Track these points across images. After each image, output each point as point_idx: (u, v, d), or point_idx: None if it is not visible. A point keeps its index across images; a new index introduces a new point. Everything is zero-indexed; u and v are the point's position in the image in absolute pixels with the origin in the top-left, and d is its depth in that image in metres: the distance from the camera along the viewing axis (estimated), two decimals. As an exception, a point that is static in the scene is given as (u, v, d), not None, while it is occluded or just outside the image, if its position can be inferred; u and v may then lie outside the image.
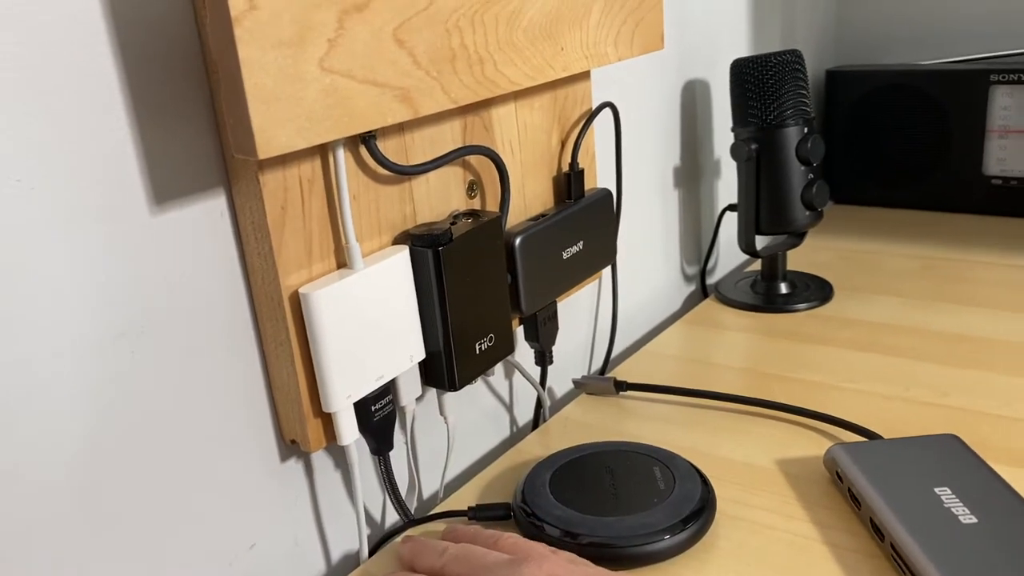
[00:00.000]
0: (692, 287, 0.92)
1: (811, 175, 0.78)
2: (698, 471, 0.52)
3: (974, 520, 0.44)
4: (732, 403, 0.63)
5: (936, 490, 0.47)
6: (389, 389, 0.50)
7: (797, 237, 0.83)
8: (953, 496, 0.46)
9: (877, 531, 0.46)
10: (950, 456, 0.49)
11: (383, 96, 0.42)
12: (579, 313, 0.74)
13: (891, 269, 0.87)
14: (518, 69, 0.51)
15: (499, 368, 0.65)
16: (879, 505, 0.46)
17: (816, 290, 0.82)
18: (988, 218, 1.00)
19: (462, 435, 0.63)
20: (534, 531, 0.49)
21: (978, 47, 1.07)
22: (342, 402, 0.46)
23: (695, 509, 0.49)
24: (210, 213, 0.43)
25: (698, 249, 0.91)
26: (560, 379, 0.72)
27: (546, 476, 0.53)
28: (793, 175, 0.77)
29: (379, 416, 0.49)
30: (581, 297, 0.73)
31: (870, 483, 0.48)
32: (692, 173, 0.88)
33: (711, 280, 0.94)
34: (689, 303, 0.91)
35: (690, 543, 0.48)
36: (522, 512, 0.50)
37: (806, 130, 0.77)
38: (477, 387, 0.63)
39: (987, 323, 0.74)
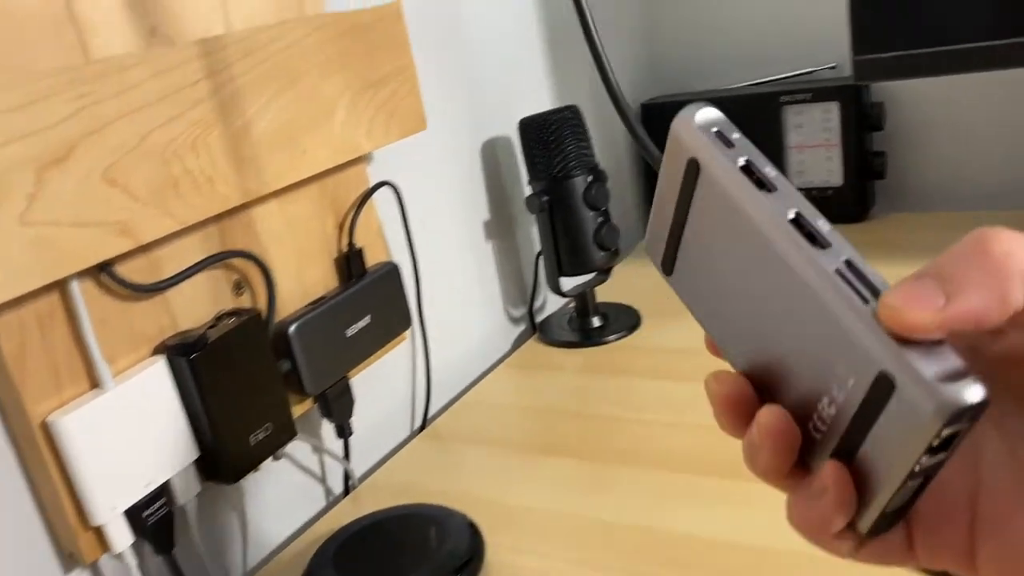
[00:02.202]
0: (522, 327, 0.97)
1: (600, 219, 0.83)
2: (471, 525, 0.57)
3: None
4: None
5: None
6: (163, 492, 0.53)
7: (603, 274, 0.89)
8: None
9: None
10: None
11: (98, 234, 0.46)
12: (395, 375, 0.78)
13: (700, 291, 0.94)
14: (256, 178, 0.55)
15: (305, 446, 0.69)
16: None
17: (625, 320, 0.88)
18: (796, 228, 1.08)
19: (272, 514, 0.66)
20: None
21: (775, 69, 1.15)
22: (107, 514, 0.49)
23: (460, 565, 0.53)
24: (-49, 357, 0.46)
25: (523, 292, 0.96)
26: (381, 443, 0.76)
27: (330, 552, 0.56)
28: (584, 221, 0.83)
29: (153, 520, 0.52)
30: (395, 359, 0.77)
31: None
32: (504, 224, 0.93)
33: (540, 318, 0.99)
34: (519, 342, 0.96)
35: (457, 597, 0.53)
36: (306, 591, 0.54)
37: (591, 178, 0.83)
38: (283, 466, 0.67)
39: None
